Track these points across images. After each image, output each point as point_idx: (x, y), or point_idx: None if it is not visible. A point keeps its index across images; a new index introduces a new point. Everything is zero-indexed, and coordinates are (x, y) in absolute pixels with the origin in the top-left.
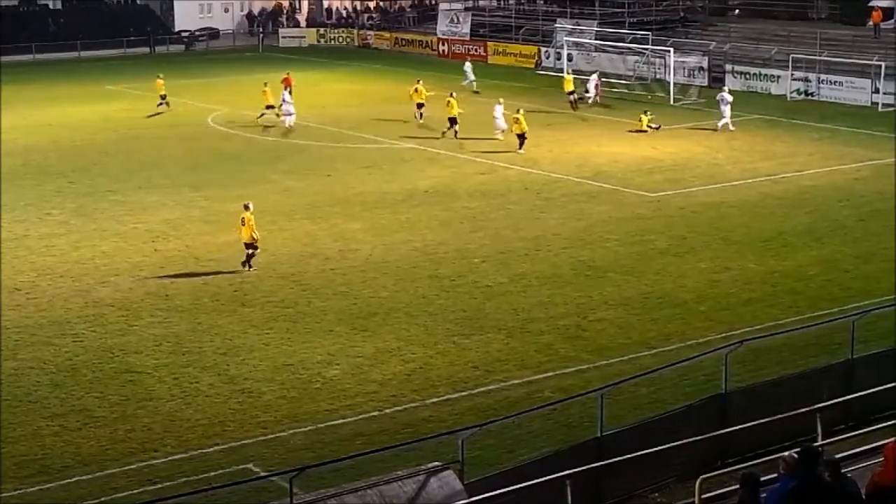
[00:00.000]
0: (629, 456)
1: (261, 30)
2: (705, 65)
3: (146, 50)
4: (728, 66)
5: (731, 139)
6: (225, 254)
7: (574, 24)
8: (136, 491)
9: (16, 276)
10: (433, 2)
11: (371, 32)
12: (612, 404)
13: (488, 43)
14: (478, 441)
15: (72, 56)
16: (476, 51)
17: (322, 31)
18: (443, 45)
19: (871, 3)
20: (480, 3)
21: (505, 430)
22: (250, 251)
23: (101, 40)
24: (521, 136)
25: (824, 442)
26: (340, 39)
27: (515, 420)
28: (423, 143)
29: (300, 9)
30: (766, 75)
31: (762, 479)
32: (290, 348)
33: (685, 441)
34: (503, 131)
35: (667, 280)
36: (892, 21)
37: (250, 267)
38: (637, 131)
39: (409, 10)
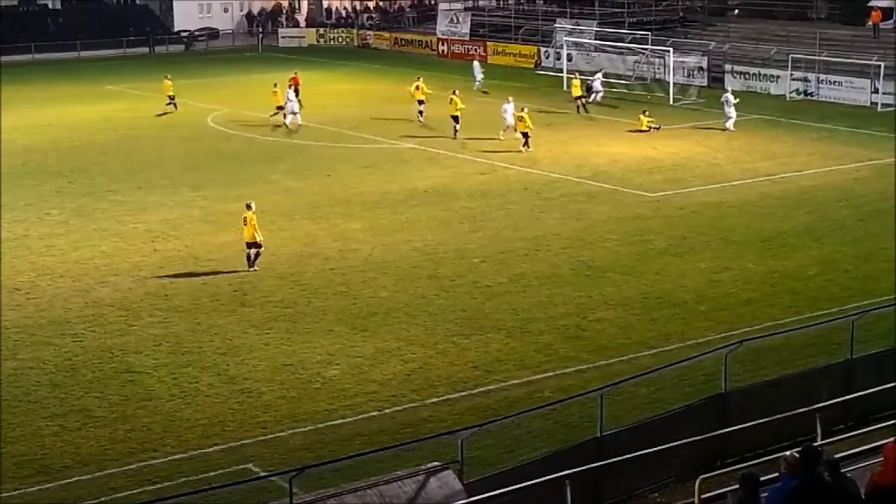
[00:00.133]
0: (629, 456)
1: (260, 30)
2: (705, 65)
3: (146, 50)
4: (727, 66)
5: (731, 139)
6: (224, 254)
7: (574, 25)
8: (135, 491)
9: (15, 276)
10: (433, 2)
11: (370, 32)
12: (611, 404)
13: (488, 43)
14: (477, 441)
15: (71, 56)
16: (476, 51)
17: (321, 31)
18: (442, 45)
19: (870, 3)
20: (480, 3)
21: (504, 430)
22: (252, 251)
23: (100, 40)
24: (525, 135)
25: (824, 442)
26: (340, 39)
27: (515, 420)
28: (423, 143)
29: (300, 9)
30: (765, 75)
31: (762, 479)
32: (290, 348)
33: (685, 441)
34: (507, 129)
35: (666, 280)
36: (892, 21)
37: (252, 267)
38: (637, 131)
39: (408, 10)
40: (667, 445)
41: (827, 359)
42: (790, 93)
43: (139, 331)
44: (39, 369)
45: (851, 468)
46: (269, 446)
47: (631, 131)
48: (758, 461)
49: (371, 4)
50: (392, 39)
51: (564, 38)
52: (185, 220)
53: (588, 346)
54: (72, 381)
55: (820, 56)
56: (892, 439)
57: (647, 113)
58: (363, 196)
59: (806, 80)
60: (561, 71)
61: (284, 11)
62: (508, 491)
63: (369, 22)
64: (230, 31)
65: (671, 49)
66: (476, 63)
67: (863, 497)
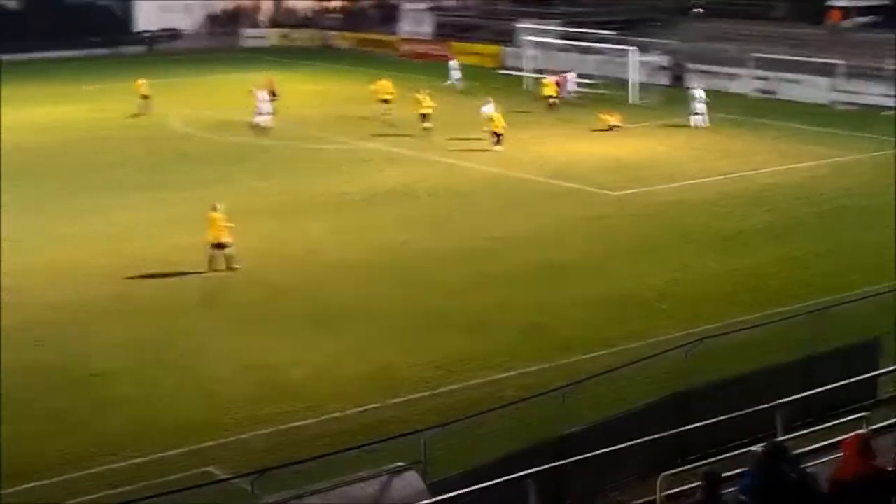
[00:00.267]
0: (591, 454)
1: (223, 30)
2: (667, 64)
3: (107, 51)
4: (689, 65)
5: (692, 137)
6: (188, 255)
7: (537, 24)
8: (96, 495)
9: None
10: (395, 2)
11: (333, 33)
12: (573, 403)
13: (451, 43)
14: (440, 441)
15: (31, 57)
16: (439, 51)
17: (284, 31)
18: (405, 45)
19: (829, 3)
20: (443, 2)
21: (467, 430)
22: (218, 251)
23: (60, 41)
24: (496, 133)
25: (784, 438)
26: (303, 40)
27: (478, 420)
28: (386, 144)
29: (262, 9)
30: (726, 74)
31: (723, 475)
32: (252, 349)
33: (646, 439)
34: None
35: (628, 278)
36: (851, 20)
37: (232, 267)
38: (599, 130)
39: (371, 10)
40: (628, 443)
41: (787, 355)
42: (751, 91)
43: (101, 334)
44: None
45: (812, 464)
46: (231, 448)
47: (594, 130)
48: (719, 458)
49: (334, 5)
50: (355, 40)
51: (527, 38)
52: (147, 221)
53: (550, 344)
54: (33, 384)
55: (780, 55)
56: (851, 434)
57: (609, 112)
58: (326, 196)
59: (766, 78)
60: (524, 70)
61: (247, 12)
62: (472, 490)
63: (332, 22)
64: (193, 32)
65: (634, 48)
66: (452, 62)
67: (823, 492)
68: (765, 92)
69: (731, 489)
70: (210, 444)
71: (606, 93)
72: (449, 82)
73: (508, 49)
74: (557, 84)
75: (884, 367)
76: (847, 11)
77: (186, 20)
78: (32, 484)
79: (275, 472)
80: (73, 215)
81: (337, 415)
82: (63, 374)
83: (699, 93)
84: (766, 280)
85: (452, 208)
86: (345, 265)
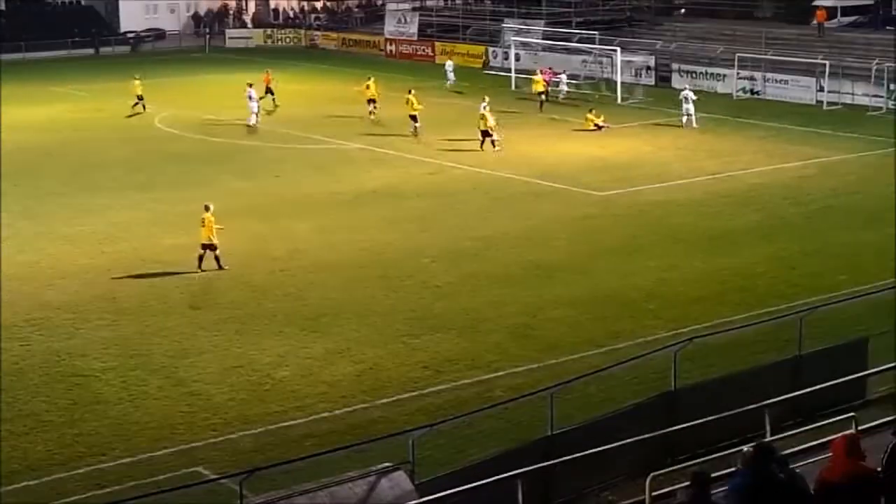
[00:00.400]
0: (579, 454)
1: (207, 31)
2: (652, 64)
3: (91, 51)
4: (675, 66)
5: (678, 138)
6: (173, 256)
7: (521, 24)
8: (84, 496)
9: None
10: (380, 2)
11: (318, 33)
12: (562, 403)
13: (436, 43)
14: (429, 441)
15: (16, 57)
16: (424, 51)
17: (269, 31)
18: (390, 45)
19: (815, 3)
20: (428, 3)
21: (455, 430)
22: (206, 252)
23: (45, 41)
24: (486, 133)
25: (773, 438)
26: (288, 40)
27: (466, 420)
28: (371, 144)
29: (247, 9)
30: (712, 74)
31: (712, 475)
32: (240, 350)
33: (635, 439)
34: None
35: (616, 278)
36: (836, 20)
37: (221, 267)
38: (584, 130)
39: (356, 10)
40: (617, 443)
41: (775, 355)
42: (737, 91)
43: (87, 334)
44: None
45: (800, 464)
46: (219, 449)
47: (579, 130)
48: (708, 458)
49: (318, 5)
50: (340, 40)
51: (512, 38)
52: (132, 222)
53: (538, 345)
54: (19, 384)
55: (766, 55)
56: (839, 435)
57: (594, 112)
58: (312, 197)
59: (752, 78)
60: (509, 70)
61: (231, 12)
62: (460, 491)
63: (317, 22)
64: (177, 32)
65: (619, 49)
66: (449, 62)
67: (811, 492)
68: (751, 92)
69: (721, 489)
70: (198, 444)
71: (592, 93)
72: (448, 83)
73: (493, 49)
74: (545, 79)
75: (872, 367)
76: (833, 11)
77: (171, 21)
78: (22, 484)
79: (263, 472)
80: (58, 216)
81: (325, 415)
82: (48, 374)
83: (689, 93)
84: (754, 280)
85: (439, 208)
86: (331, 265)
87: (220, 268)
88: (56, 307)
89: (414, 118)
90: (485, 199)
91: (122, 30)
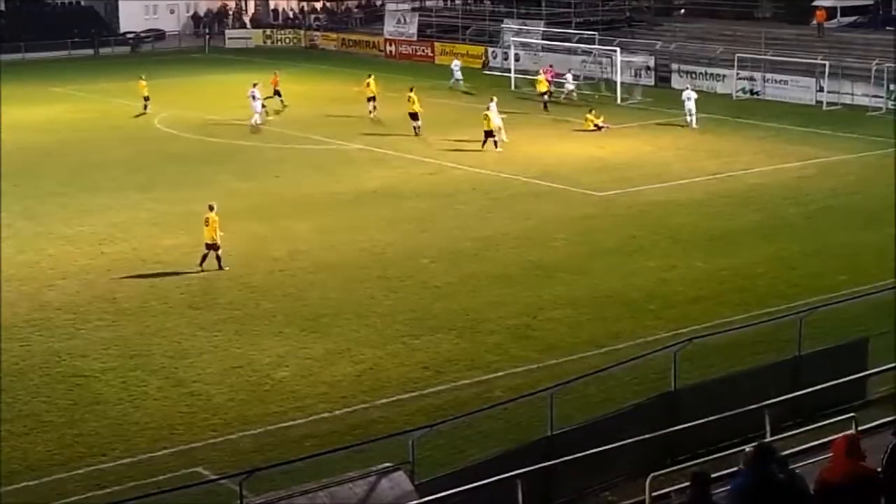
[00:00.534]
0: (579, 455)
1: (207, 31)
2: (652, 64)
3: (91, 52)
4: (674, 66)
5: (678, 138)
6: (172, 256)
7: (521, 25)
8: (84, 496)
9: None
10: (380, 2)
11: (318, 33)
12: (562, 403)
13: (435, 43)
14: (428, 441)
15: (16, 58)
16: (423, 51)
17: (269, 32)
18: (390, 45)
19: (814, 3)
20: (427, 3)
21: (455, 431)
22: (210, 252)
23: (44, 42)
24: (489, 133)
25: (773, 438)
26: (287, 40)
27: (466, 420)
28: (371, 144)
29: (246, 10)
30: (711, 74)
31: (713, 475)
32: (239, 350)
33: (635, 439)
34: (498, 130)
35: (615, 279)
36: (836, 20)
37: (221, 267)
38: (584, 131)
39: (355, 10)
40: (617, 444)
41: (776, 356)
42: (736, 92)
43: (87, 334)
44: None
45: (800, 464)
46: (218, 449)
47: (579, 131)
48: (708, 458)
49: (318, 5)
50: (339, 40)
51: (512, 39)
52: (132, 222)
53: (538, 345)
54: (19, 385)
55: (765, 55)
56: (839, 435)
57: (594, 112)
58: (311, 197)
59: (752, 79)
60: (509, 71)
61: (231, 13)
62: (460, 491)
63: (316, 23)
64: (176, 33)
65: (618, 49)
66: (456, 62)
67: (811, 493)
68: (751, 92)
69: (721, 489)
70: (198, 444)
71: (592, 93)
72: (452, 81)
73: (493, 49)
74: (548, 78)
75: (873, 368)
76: (833, 11)
77: (170, 21)
78: (22, 484)
79: (263, 473)
80: (57, 217)
81: (325, 415)
82: (48, 375)
83: (691, 93)
84: (754, 280)
85: (438, 209)
86: (331, 265)
87: (221, 268)
88: (56, 307)
89: (415, 116)
90: (485, 200)
91: (122, 30)
